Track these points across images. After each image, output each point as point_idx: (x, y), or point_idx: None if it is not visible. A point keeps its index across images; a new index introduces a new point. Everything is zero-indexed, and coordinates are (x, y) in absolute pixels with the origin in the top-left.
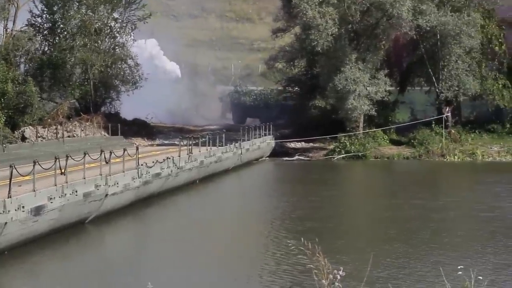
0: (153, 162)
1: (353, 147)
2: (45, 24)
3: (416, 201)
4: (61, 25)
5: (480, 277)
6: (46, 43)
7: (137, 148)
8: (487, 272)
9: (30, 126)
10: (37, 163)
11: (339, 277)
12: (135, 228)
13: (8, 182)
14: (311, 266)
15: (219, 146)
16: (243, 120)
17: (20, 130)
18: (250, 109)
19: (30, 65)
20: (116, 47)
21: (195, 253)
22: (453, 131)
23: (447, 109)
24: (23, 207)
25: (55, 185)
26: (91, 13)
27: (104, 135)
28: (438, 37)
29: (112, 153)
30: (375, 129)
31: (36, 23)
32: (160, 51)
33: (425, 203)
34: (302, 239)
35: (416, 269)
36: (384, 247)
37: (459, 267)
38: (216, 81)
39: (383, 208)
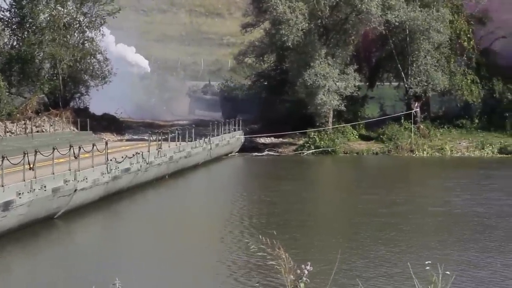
0: (122, 157)
1: (322, 142)
2: (13, 19)
3: (371, 196)
4: (30, 20)
5: (448, 272)
6: (15, 38)
7: (106, 143)
8: (452, 267)
9: None
10: (5, 158)
11: (306, 272)
12: (104, 223)
13: None
14: (273, 263)
15: (189, 141)
16: (234, 115)
17: None
18: (241, 104)
19: None
20: (85, 42)
21: (163, 249)
22: (422, 126)
23: (416, 105)
24: None
25: (24, 180)
26: (60, 8)
27: (73, 130)
28: (407, 33)
29: (81, 148)
30: (344, 125)
31: (5, 18)
32: (111, 37)
33: (379, 198)
34: (260, 236)
35: (379, 264)
36: (338, 243)
37: (426, 262)
38: (186, 76)
39: (340, 203)
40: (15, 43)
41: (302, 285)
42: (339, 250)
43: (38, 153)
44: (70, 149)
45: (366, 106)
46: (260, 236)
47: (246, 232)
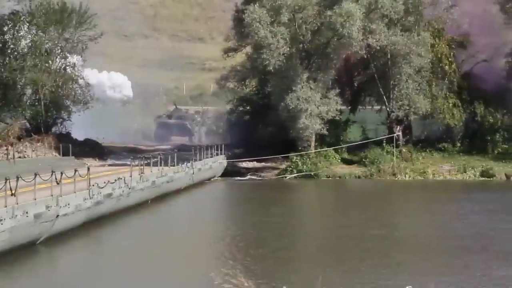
0: (104, 182)
1: (305, 166)
2: None
3: (342, 220)
4: (12, 45)
5: None
6: None
7: (88, 169)
8: None
9: None
10: None
11: None
12: (86, 249)
13: None
14: None
15: (171, 166)
16: (243, 142)
17: None
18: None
19: None
20: (67, 67)
21: (144, 277)
22: (404, 150)
23: (398, 128)
24: None
25: (6, 207)
26: (41, 34)
27: (55, 156)
28: (389, 57)
29: (63, 174)
30: (326, 148)
31: None
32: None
33: (349, 222)
34: (223, 268)
35: None
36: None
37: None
38: (168, 101)
39: (315, 229)
40: None
41: None
42: (319, 277)
43: (20, 178)
44: (52, 175)
45: (349, 130)
46: (223, 269)
47: (224, 262)
